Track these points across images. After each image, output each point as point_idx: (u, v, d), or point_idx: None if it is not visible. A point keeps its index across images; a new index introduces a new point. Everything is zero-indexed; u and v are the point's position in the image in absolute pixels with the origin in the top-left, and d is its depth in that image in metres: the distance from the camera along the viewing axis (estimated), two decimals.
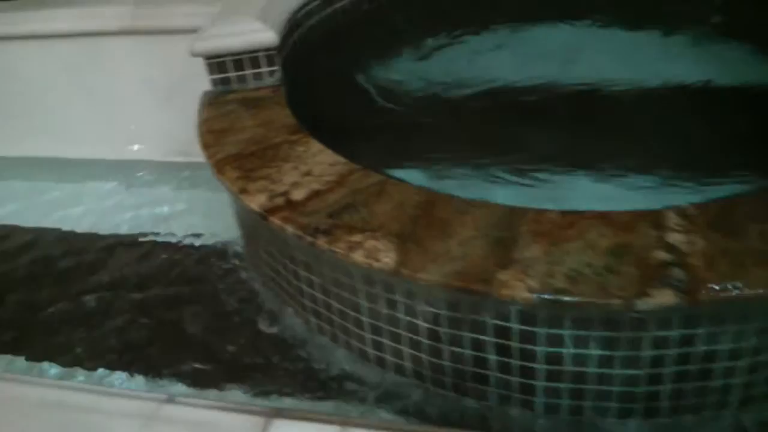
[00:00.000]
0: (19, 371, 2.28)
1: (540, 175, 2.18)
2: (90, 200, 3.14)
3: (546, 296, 1.54)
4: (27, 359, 2.34)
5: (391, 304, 1.82)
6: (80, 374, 2.18)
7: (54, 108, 3.21)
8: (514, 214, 1.75)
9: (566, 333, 1.65)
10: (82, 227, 2.99)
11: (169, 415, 1.53)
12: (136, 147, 3.23)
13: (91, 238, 2.92)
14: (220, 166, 2.14)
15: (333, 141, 2.19)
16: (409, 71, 2.78)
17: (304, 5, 2.87)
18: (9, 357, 2.35)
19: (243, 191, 2.00)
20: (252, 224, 2.25)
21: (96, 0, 3.04)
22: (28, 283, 2.72)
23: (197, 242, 2.79)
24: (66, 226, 3.00)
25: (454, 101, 2.59)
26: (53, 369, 2.28)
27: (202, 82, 2.59)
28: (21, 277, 2.76)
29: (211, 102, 2.50)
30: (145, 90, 3.05)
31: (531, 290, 1.55)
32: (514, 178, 2.16)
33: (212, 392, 2.09)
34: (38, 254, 2.86)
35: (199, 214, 2.92)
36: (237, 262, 2.59)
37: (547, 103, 2.58)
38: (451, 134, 2.41)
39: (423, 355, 1.88)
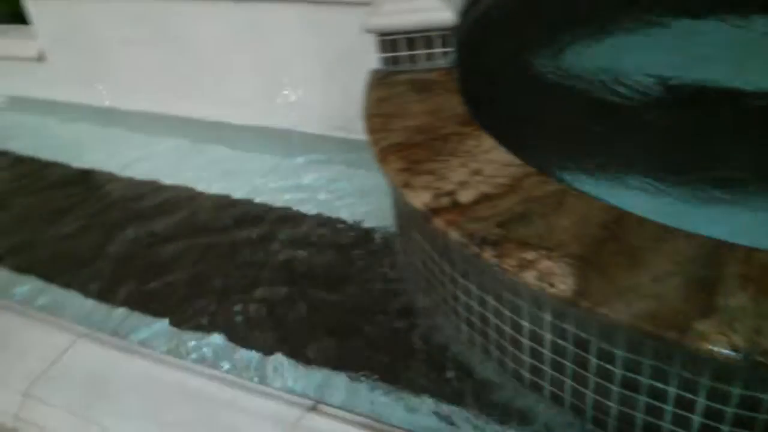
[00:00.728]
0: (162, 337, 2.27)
1: (753, 201, 1.87)
2: (246, 168, 3.13)
3: (754, 357, 1.29)
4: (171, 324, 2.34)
5: (559, 333, 1.62)
6: (226, 360, 2.12)
7: (217, 71, 3.21)
8: (720, 249, 1.49)
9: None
10: (238, 194, 2.98)
11: (312, 427, 1.42)
12: (295, 117, 3.18)
13: (246, 205, 2.91)
14: (383, 154, 2.00)
15: (506, 136, 1.99)
16: (596, 59, 2.50)
17: None
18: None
19: (406, 185, 1.86)
20: (410, 218, 2.11)
21: None
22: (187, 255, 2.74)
23: (349, 220, 2.70)
24: (222, 191, 3.01)
25: (647, 99, 2.29)
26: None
27: (370, 58, 2.46)
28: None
29: (379, 82, 2.36)
30: (309, 61, 2.98)
31: (735, 348, 1.30)
32: (720, 201, 1.86)
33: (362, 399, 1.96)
34: (193, 221, 2.89)
35: (353, 194, 2.83)
36: (389, 250, 2.47)
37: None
38: (644, 138, 2.13)
39: (587, 392, 1.68)
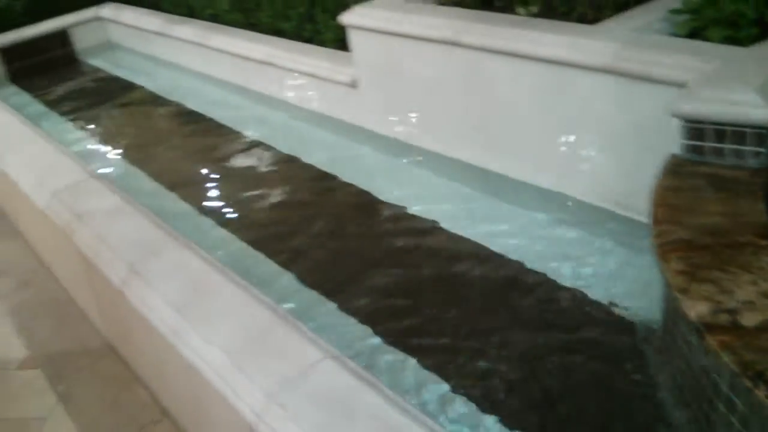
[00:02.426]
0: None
1: None
2: (513, 222, 3.13)
3: None
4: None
5: None
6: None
7: (508, 124, 3.25)
8: None
9: None
10: (494, 246, 3.00)
11: None
12: (574, 182, 3.12)
13: (500, 259, 2.91)
14: (664, 250, 1.88)
15: None
16: None
17: None
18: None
19: (683, 291, 1.72)
20: (677, 322, 1.95)
21: (582, 31, 2.95)
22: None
23: (603, 300, 2.57)
24: (482, 241, 3.04)
25: None
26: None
27: (666, 140, 2.33)
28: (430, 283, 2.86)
29: (676, 169, 2.23)
30: (602, 129, 2.90)
31: None
32: None
33: None
34: (450, 267, 2.95)
35: (615, 273, 2.70)
36: (645, 348, 2.30)
37: None
38: None
39: None
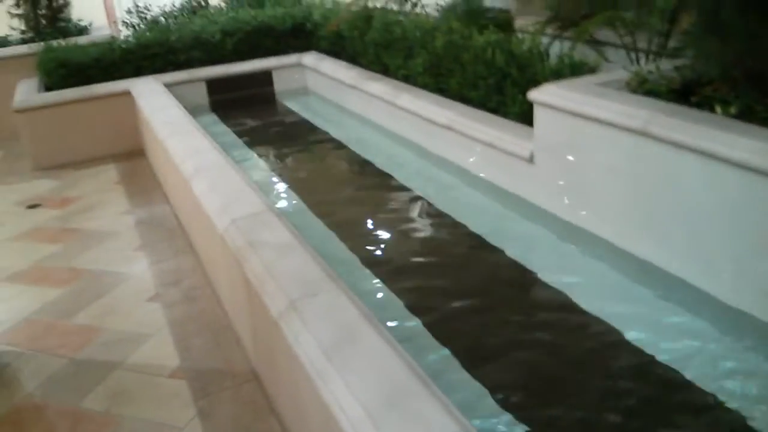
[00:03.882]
0: None
1: None
2: (687, 337, 2.93)
3: None
4: None
5: None
6: None
7: (690, 225, 3.07)
8: None
9: None
10: (661, 355, 2.81)
11: None
12: (746, 296, 2.88)
13: (667, 373, 2.72)
14: None
15: None
16: None
17: None
18: None
19: None
20: None
21: None
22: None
23: None
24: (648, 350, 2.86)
25: None
26: None
27: None
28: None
29: None
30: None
31: None
32: None
33: None
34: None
35: None
36: None
37: None
38: None
39: None
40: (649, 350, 2.84)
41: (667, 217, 3.18)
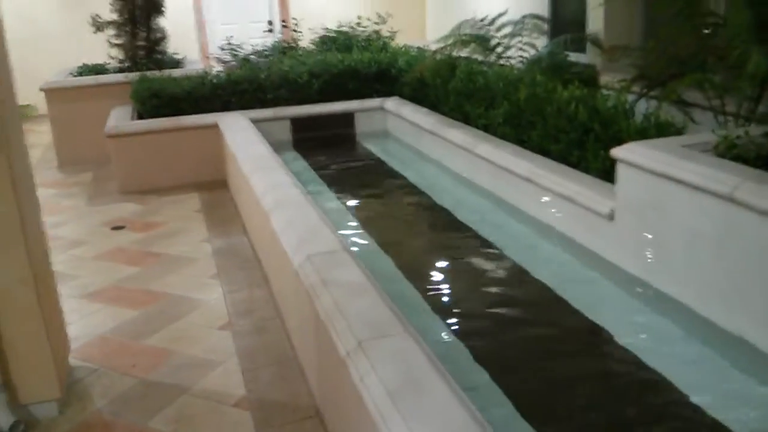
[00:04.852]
0: None
1: None
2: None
3: None
4: None
5: None
6: None
7: None
8: None
9: None
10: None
11: None
12: None
13: None
14: None
15: None
16: None
17: None
18: None
19: None
20: None
21: None
22: None
23: None
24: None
25: None
26: None
27: None
28: None
29: None
30: None
31: None
32: None
33: None
34: None
35: None
36: None
37: None
38: None
39: None
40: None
41: (751, 287, 3.07)
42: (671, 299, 3.51)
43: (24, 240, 3.06)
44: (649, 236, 3.63)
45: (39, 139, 9.64)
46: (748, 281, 3.08)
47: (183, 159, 7.05)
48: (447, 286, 4.10)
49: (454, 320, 3.61)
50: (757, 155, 3.33)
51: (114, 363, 3.76)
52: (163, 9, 9.24)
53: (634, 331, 3.41)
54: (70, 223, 6.17)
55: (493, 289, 4.01)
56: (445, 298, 3.91)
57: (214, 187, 6.93)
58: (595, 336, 3.44)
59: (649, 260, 3.66)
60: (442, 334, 3.48)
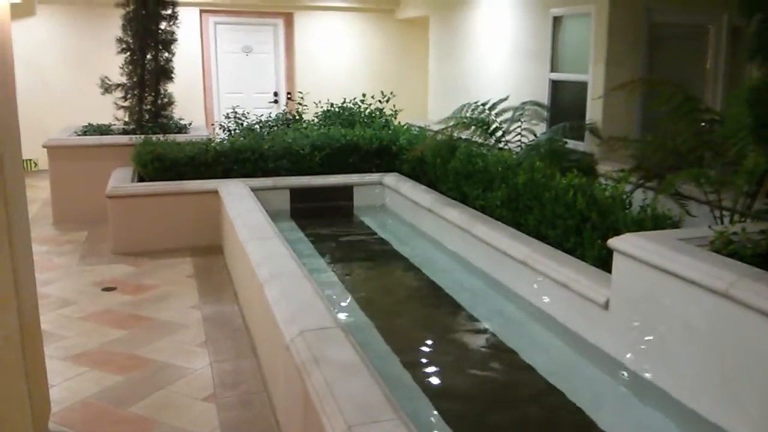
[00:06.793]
0: None
1: None
2: None
3: None
4: None
5: None
6: None
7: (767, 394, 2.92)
8: None
9: None
10: None
11: None
12: None
13: None
14: None
15: None
16: None
17: None
18: None
19: None
20: None
21: None
22: None
23: None
24: None
25: None
26: None
27: None
28: None
29: None
30: None
31: None
32: None
33: None
34: None
35: None
36: None
37: None
38: None
39: None
40: None
41: (745, 385, 3.03)
42: (664, 392, 3.46)
43: (15, 298, 3.02)
44: (644, 327, 3.61)
45: (36, 194, 9.65)
46: (742, 379, 3.05)
47: (181, 223, 7.05)
48: (438, 366, 4.05)
49: (444, 403, 3.54)
50: (753, 253, 3.35)
51: (94, 430, 3.66)
52: (173, 75, 9.39)
53: (625, 422, 3.36)
54: (60, 282, 6.10)
55: (484, 374, 3.96)
56: (436, 380, 3.86)
57: (209, 252, 6.91)
58: (587, 426, 3.37)
59: (642, 352, 3.63)
60: (433, 418, 3.41)
